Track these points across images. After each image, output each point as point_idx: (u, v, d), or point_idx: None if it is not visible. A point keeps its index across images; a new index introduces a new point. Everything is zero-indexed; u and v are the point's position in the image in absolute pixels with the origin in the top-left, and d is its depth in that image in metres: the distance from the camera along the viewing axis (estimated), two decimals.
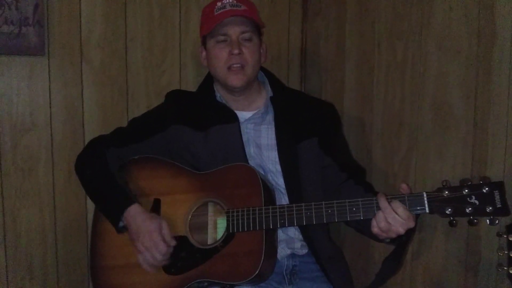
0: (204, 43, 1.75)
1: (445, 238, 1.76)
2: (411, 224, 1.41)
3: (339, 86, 2.16)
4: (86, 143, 1.95)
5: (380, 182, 1.97)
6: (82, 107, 1.99)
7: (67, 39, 1.94)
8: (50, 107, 1.94)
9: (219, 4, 1.68)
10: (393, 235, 1.44)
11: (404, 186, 1.46)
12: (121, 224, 1.61)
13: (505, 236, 1.34)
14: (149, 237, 1.54)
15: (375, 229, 1.44)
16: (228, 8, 1.66)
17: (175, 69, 2.12)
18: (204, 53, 1.76)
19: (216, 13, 1.66)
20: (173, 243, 1.56)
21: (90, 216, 1.98)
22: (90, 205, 1.99)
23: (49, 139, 1.95)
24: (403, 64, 1.89)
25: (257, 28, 1.72)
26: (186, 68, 2.13)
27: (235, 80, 1.67)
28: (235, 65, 1.66)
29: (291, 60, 2.33)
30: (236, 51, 1.65)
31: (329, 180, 1.73)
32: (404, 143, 1.91)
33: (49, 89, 1.93)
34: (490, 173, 1.65)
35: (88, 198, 1.99)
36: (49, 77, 1.93)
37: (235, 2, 1.69)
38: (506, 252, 1.33)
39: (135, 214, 1.57)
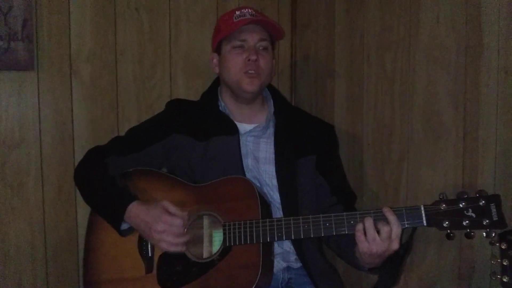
0: (217, 49, 1.75)
1: (438, 247, 1.77)
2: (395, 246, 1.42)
3: (329, 98, 2.17)
4: (76, 158, 1.95)
5: (371, 192, 1.98)
6: (72, 122, 1.97)
7: (57, 53, 1.93)
8: (40, 122, 1.92)
9: (238, 12, 1.71)
10: (376, 258, 1.44)
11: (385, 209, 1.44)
12: (124, 226, 1.59)
13: (497, 244, 1.35)
14: (159, 221, 1.51)
15: (361, 237, 1.41)
16: (248, 16, 1.69)
17: (166, 83, 2.12)
18: (215, 60, 1.77)
19: (235, 20, 1.68)
20: (185, 214, 1.54)
21: (81, 231, 1.98)
22: (81, 220, 1.98)
23: (39, 154, 1.93)
24: (392, 75, 1.91)
25: (272, 42, 1.76)
26: (176, 81, 2.13)
27: (250, 85, 1.68)
28: (250, 72, 1.68)
29: (281, 72, 2.34)
30: (253, 57, 1.66)
31: (319, 200, 1.73)
32: (395, 153, 1.92)
33: (39, 104, 1.92)
34: (481, 181, 1.66)
35: (78, 213, 1.99)
36: (39, 92, 1.91)
37: (254, 12, 1.72)
38: (499, 260, 1.34)
39: (137, 210, 1.55)
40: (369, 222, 1.40)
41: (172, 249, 1.54)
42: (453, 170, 1.74)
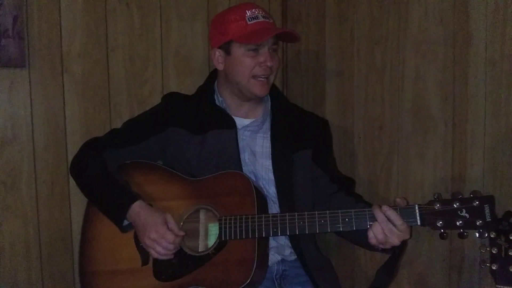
0: (224, 47, 1.72)
1: (428, 237, 1.80)
2: (407, 236, 1.44)
3: (320, 92, 2.19)
4: (68, 155, 1.94)
5: (363, 185, 2.01)
6: (64, 119, 1.97)
7: (48, 50, 1.92)
8: (32, 119, 1.91)
9: (249, 13, 1.68)
10: (388, 246, 1.46)
11: (398, 200, 1.47)
12: (125, 222, 1.60)
13: (486, 233, 1.38)
14: (155, 230, 1.54)
15: (373, 241, 1.45)
16: (261, 19, 1.68)
17: (157, 78, 2.12)
18: (219, 57, 1.74)
19: (250, 22, 1.67)
20: (181, 233, 1.56)
21: (75, 228, 1.97)
22: (75, 217, 1.98)
23: (31, 151, 1.92)
24: (382, 69, 1.94)
25: None
26: (168, 77, 2.13)
27: (262, 90, 1.71)
28: (262, 77, 1.69)
29: None
30: (270, 63, 1.67)
31: (320, 191, 1.75)
32: (385, 146, 1.95)
33: (30, 101, 1.91)
34: (470, 172, 1.70)
35: (72, 210, 1.99)
36: (30, 89, 1.90)
37: (264, 13, 1.71)
38: (488, 248, 1.36)
39: (139, 210, 1.57)
40: (378, 229, 1.43)
41: (158, 257, 1.57)
42: (442, 162, 1.77)
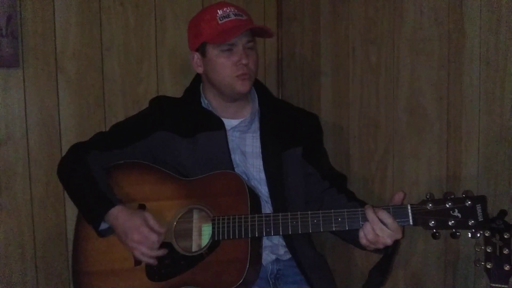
0: (199, 49, 1.72)
1: (424, 237, 1.80)
2: (399, 236, 1.43)
3: (316, 91, 2.19)
4: (63, 154, 1.94)
5: (358, 185, 2.01)
6: (59, 118, 1.96)
7: (42, 49, 1.92)
8: (26, 119, 1.91)
9: (220, 12, 1.67)
10: (381, 246, 1.45)
11: (400, 193, 1.47)
12: (103, 226, 1.60)
13: (481, 232, 1.38)
14: (137, 232, 1.53)
15: (363, 241, 1.44)
16: (233, 17, 1.66)
17: (152, 78, 2.12)
18: (197, 60, 1.74)
19: (221, 22, 1.66)
20: (162, 230, 1.56)
21: (70, 228, 1.97)
22: (69, 217, 1.98)
23: (26, 151, 1.92)
24: (377, 68, 1.94)
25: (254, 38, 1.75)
26: (163, 76, 2.13)
27: (243, 87, 1.68)
28: (243, 75, 1.67)
29: (268, 65, 2.35)
30: (245, 61, 1.65)
31: (311, 188, 1.74)
32: (380, 145, 1.94)
33: (25, 100, 1.90)
34: (465, 171, 1.70)
35: (66, 210, 1.98)
36: (24, 89, 1.90)
37: (236, 11, 1.69)
38: (482, 247, 1.37)
39: (117, 214, 1.56)
40: (368, 229, 1.42)
41: (144, 259, 1.57)
42: (437, 161, 1.77)
